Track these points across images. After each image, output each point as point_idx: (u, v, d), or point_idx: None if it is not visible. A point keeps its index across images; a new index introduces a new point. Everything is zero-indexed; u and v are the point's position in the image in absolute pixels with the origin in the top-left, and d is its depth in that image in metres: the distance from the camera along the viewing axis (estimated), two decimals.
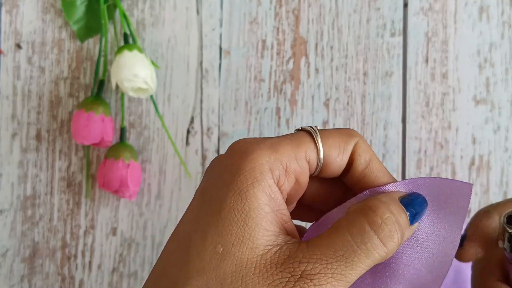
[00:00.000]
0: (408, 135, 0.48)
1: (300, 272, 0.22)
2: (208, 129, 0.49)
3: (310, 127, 0.26)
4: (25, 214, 0.48)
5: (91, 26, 0.49)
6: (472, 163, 0.48)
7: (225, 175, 0.24)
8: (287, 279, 0.21)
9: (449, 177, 0.47)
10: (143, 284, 0.48)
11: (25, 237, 0.48)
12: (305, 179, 0.26)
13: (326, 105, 0.48)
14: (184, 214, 0.25)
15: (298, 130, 0.27)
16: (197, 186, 0.48)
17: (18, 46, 0.49)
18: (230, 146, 0.25)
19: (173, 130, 0.49)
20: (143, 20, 0.49)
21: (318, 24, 0.49)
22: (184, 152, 0.49)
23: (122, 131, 0.47)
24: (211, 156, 0.48)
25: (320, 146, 0.25)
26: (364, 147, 0.26)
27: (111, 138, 0.47)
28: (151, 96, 0.47)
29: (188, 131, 0.49)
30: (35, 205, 0.48)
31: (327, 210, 0.27)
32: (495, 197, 0.47)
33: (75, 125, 0.45)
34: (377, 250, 0.22)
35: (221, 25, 0.49)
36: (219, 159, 0.25)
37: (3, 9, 0.49)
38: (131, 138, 0.49)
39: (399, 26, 0.49)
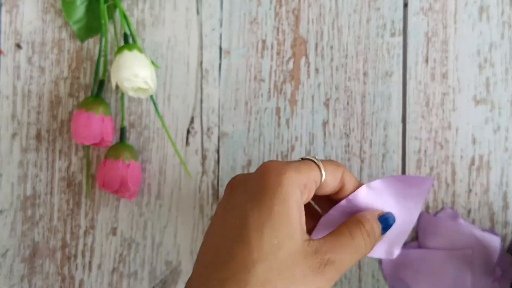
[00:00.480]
0: (408, 135, 0.48)
1: (326, 259, 0.32)
2: (208, 129, 0.49)
3: (313, 157, 0.36)
4: (25, 214, 0.48)
5: (91, 26, 0.49)
6: (472, 163, 0.48)
7: (267, 188, 0.32)
8: (319, 263, 0.32)
9: (449, 176, 0.48)
10: (142, 283, 0.48)
11: (25, 237, 0.48)
12: (312, 194, 0.35)
13: (326, 105, 0.48)
14: (224, 218, 0.34)
15: (303, 159, 0.36)
16: (197, 187, 0.48)
17: (18, 46, 0.49)
18: (262, 166, 0.34)
19: (173, 130, 0.49)
20: (143, 20, 0.49)
21: (318, 24, 0.49)
22: (184, 152, 0.49)
23: (122, 131, 0.47)
24: (211, 156, 0.48)
25: (323, 173, 0.35)
26: (349, 174, 0.37)
27: (111, 138, 0.47)
28: (151, 96, 0.47)
29: (188, 131, 0.49)
30: (35, 205, 0.49)
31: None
32: (495, 197, 0.47)
33: (75, 125, 0.45)
34: (363, 250, 0.35)
35: (221, 25, 0.49)
36: (249, 177, 0.34)
37: (3, 9, 0.49)
38: (131, 138, 0.49)
39: (399, 26, 0.49)
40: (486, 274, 0.46)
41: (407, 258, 0.47)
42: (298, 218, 0.32)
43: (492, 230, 0.47)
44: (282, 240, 0.31)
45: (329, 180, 0.36)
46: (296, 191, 0.33)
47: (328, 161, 0.36)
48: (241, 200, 0.33)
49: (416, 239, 0.47)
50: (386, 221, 0.37)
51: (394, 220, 0.38)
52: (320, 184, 0.35)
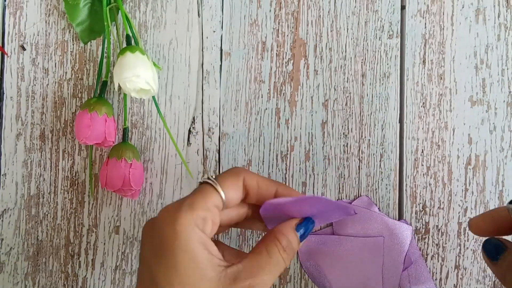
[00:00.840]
0: (406, 135, 0.49)
1: (247, 285, 0.33)
2: (209, 129, 0.49)
3: (209, 178, 0.36)
4: (29, 213, 0.49)
5: (93, 28, 0.49)
6: (469, 162, 0.48)
7: (166, 242, 0.33)
8: None
9: (445, 176, 0.48)
10: None
11: (29, 235, 0.49)
12: (217, 218, 0.36)
13: (325, 105, 0.49)
14: (140, 272, 0.35)
15: (201, 183, 0.36)
16: (195, 188, 0.49)
17: (22, 47, 0.50)
18: (159, 215, 0.34)
19: (175, 130, 0.49)
20: (145, 22, 0.50)
21: (317, 26, 0.49)
22: (185, 152, 0.49)
23: (125, 131, 0.48)
24: (212, 155, 0.49)
25: (221, 194, 0.35)
26: (249, 177, 0.37)
27: (114, 138, 0.47)
28: (153, 97, 0.48)
29: (190, 131, 0.49)
30: (39, 204, 0.49)
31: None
32: (491, 197, 0.48)
33: (79, 125, 0.46)
34: (282, 266, 0.35)
35: (221, 27, 0.50)
36: (154, 226, 0.35)
37: (7, 11, 0.50)
38: (133, 138, 0.49)
39: (396, 28, 0.49)
40: (397, 262, 0.47)
41: (321, 243, 0.48)
42: (205, 257, 0.33)
43: (404, 221, 0.48)
44: (194, 285, 0.32)
45: (231, 194, 0.36)
46: (195, 231, 0.33)
47: (226, 173, 0.37)
48: (147, 254, 0.34)
49: (331, 225, 0.48)
50: (305, 228, 0.37)
51: (313, 224, 0.37)
52: (224, 203, 0.36)
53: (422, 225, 0.48)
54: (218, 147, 0.49)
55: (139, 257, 0.36)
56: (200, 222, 0.34)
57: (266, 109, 0.49)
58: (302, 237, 0.37)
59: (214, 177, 0.36)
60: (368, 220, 0.48)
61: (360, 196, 0.48)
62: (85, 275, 0.49)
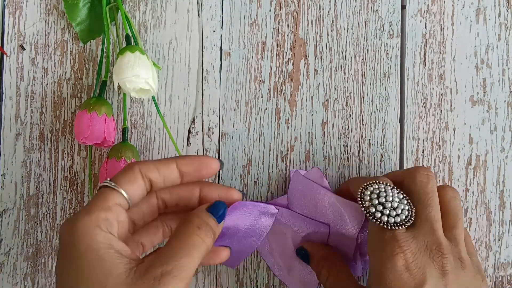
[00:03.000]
0: (406, 135, 0.49)
1: (159, 273, 0.32)
2: (209, 129, 0.49)
3: (107, 180, 0.36)
4: (28, 213, 0.49)
5: (93, 28, 0.49)
6: (469, 162, 0.48)
7: (69, 251, 0.33)
8: (152, 281, 0.31)
9: (446, 176, 0.48)
10: None
11: (28, 236, 0.49)
12: (123, 216, 0.35)
13: (325, 105, 0.49)
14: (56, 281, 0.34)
15: (99, 188, 0.36)
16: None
17: (21, 47, 0.50)
18: (60, 228, 0.34)
19: (174, 130, 0.49)
20: (145, 22, 0.50)
21: (317, 26, 0.49)
22: (185, 152, 0.49)
23: (124, 131, 0.48)
24: (212, 155, 0.49)
25: (121, 190, 0.35)
26: (144, 167, 0.37)
27: (113, 138, 0.47)
28: (153, 97, 0.48)
29: (189, 131, 0.49)
30: (38, 204, 0.49)
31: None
32: (492, 197, 0.48)
33: (78, 125, 0.46)
34: (202, 245, 0.34)
35: (221, 26, 0.50)
36: (59, 241, 0.34)
37: (7, 10, 0.50)
38: (133, 138, 0.49)
39: (397, 27, 0.49)
40: (348, 246, 0.44)
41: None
42: (112, 255, 0.32)
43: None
44: (101, 283, 0.32)
45: (132, 189, 0.36)
46: (96, 231, 0.33)
47: (120, 171, 0.37)
48: (58, 263, 0.34)
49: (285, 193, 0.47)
50: (216, 209, 0.37)
51: (224, 206, 0.37)
52: (128, 199, 0.36)
53: None
54: (218, 147, 0.49)
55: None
56: (101, 223, 0.33)
57: (266, 109, 0.49)
58: (220, 218, 0.37)
59: (108, 179, 0.36)
60: (316, 201, 0.44)
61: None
62: None
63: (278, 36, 0.49)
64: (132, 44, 0.47)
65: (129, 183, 0.36)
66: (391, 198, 0.39)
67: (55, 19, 0.50)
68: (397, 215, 0.38)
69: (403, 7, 0.49)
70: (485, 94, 0.49)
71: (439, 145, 0.48)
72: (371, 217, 0.38)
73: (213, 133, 0.49)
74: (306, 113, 0.49)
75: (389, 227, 0.38)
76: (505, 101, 0.48)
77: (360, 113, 0.49)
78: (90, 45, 0.50)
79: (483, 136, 0.48)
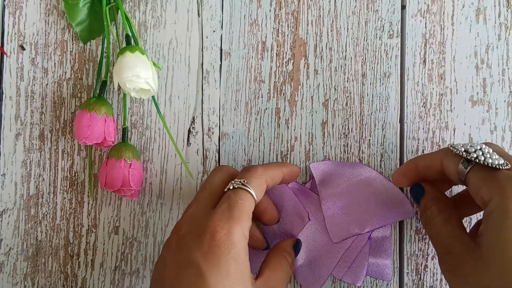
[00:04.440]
0: (406, 135, 0.49)
1: None
2: (209, 129, 0.49)
3: (243, 184, 0.39)
4: (28, 213, 0.49)
5: (93, 28, 0.49)
6: None
7: (221, 250, 0.36)
8: None
9: None
10: (144, 281, 0.49)
11: (28, 235, 0.49)
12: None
13: (325, 105, 0.49)
14: (179, 274, 0.37)
15: (234, 187, 0.40)
16: (198, 186, 0.49)
17: (21, 47, 0.50)
18: (210, 225, 0.37)
19: (174, 130, 0.49)
20: (145, 22, 0.50)
21: (317, 26, 0.49)
22: (185, 152, 0.49)
23: (124, 131, 0.48)
24: (211, 155, 0.49)
25: (255, 198, 0.40)
26: (270, 177, 0.42)
27: (113, 138, 0.47)
28: (153, 97, 0.48)
29: (189, 131, 0.49)
30: (38, 204, 0.49)
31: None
32: None
33: (78, 125, 0.46)
34: (290, 276, 0.43)
35: (221, 26, 0.50)
36: (200, 233, 0.37)
37: (6, 10, 0.50)
38: (133, 138, 0.49)
39: (397, 27, 0.49)
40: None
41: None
42: (248, 269, 0.37)
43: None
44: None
45: (260, 195, 0.40)
46: (245, 242, 0.37)
47: (252, 176, 0.40)
48: (195, 257, 0.36)
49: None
50: (296, 248, 0.45)
51: (301, 245, 0.46)
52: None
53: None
54: (218, 147, 0.49)
55: (176, 262, 0.37)
56: (246, 231, 0.37)
57: (266, 109, 0.49)
58: (296, 253, 0.45)
59: (245, 181, 0.39)
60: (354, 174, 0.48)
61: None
62: (85, 276, 0.49)
63: (278, 36, 0.49)
64: (132, 44, 0.47)
65: (258, 189, 0.40)
66: (479, 147, 0.38)
67: (55, 19, 0.50)
68: (496, 158, 0.38)
69: (403, 7, 0.49)
70: (485, 94, 0.49)
71: (439, 145, 0.48)
72: (476, 161, 0.38)
73: (213, 133, 0.49)
74: (306, 113, 0.49)
75: (498, 167, 0.37)
76: (505, 101, 0.48)
77: (360, 113, 0.49)
78: (90, 45, 0.50)
79: (483, 136, 0.48)
